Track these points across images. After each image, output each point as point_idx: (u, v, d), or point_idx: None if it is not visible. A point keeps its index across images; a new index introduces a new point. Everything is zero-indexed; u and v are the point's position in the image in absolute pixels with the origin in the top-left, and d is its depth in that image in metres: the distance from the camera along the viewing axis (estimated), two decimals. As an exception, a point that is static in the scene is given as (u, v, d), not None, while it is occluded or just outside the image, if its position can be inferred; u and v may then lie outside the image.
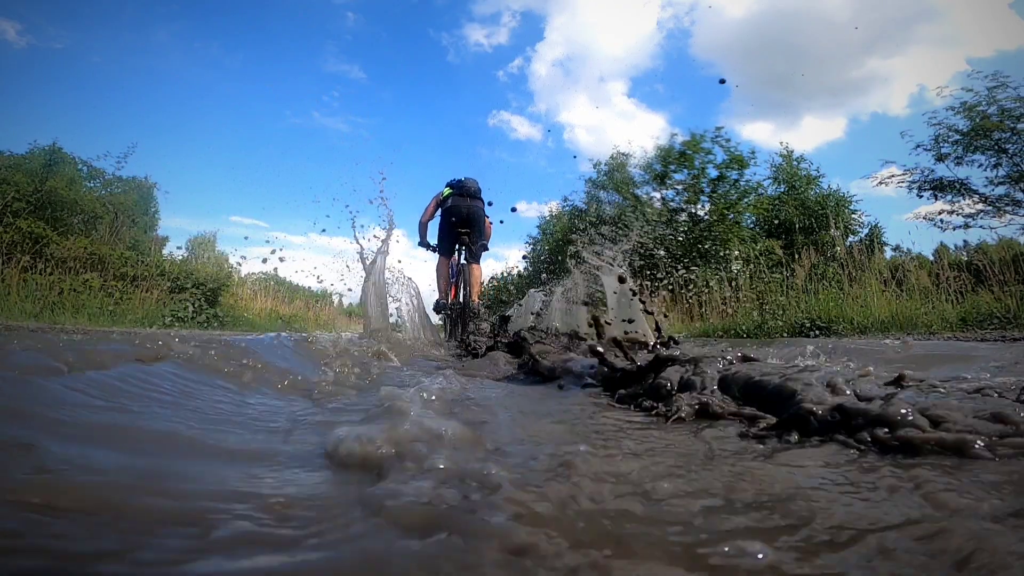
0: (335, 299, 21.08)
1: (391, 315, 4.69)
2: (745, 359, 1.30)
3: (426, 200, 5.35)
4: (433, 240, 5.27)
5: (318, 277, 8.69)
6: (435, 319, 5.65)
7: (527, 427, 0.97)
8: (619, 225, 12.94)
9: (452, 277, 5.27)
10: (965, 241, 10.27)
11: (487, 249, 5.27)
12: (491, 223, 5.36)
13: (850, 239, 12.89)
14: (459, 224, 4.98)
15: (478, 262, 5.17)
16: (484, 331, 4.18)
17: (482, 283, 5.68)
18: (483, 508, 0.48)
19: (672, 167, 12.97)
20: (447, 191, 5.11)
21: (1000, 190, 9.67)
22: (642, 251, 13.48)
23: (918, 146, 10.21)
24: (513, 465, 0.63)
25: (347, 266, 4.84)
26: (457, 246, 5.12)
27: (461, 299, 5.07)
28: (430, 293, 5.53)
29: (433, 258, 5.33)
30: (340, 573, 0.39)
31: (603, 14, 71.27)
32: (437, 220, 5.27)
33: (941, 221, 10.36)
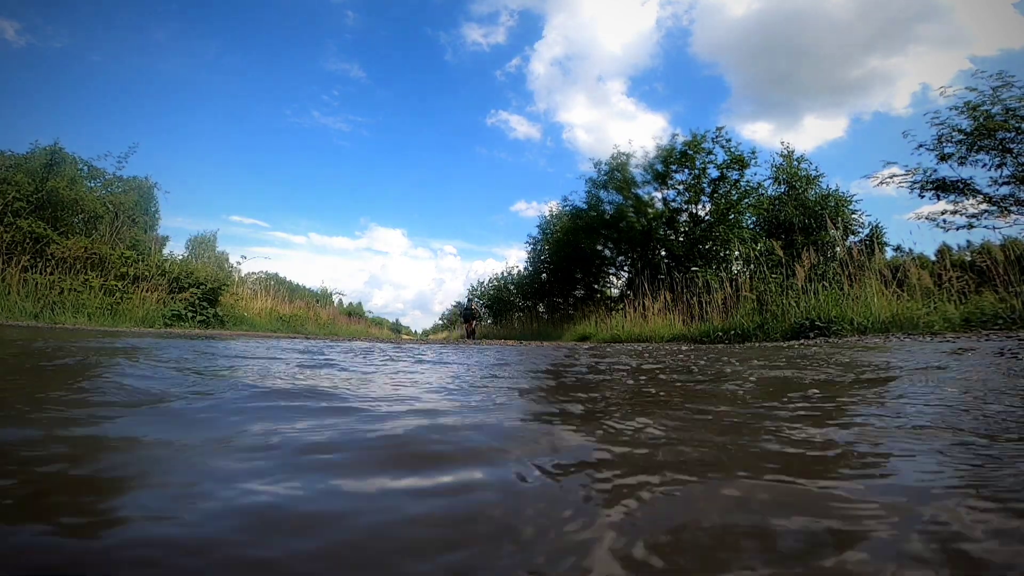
0: (335, 299, 21.13)
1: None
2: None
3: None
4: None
5: None
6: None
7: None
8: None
9: (466, 325, 15.56)
10: (969, 241, 10.19)
11: (479, 318, 17.18)
12: (477, 310, 16.50)
13: (850, 239, 12.82)
14: (467, 315, 15.84)
15: (470, 322, 15.49)
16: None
17: (477, 327, 15.92)
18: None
19: (674, 167, 12.92)
20: (466, 304, 17.40)
21: (1004, 190, 9.57)
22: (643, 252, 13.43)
23: (920, 146, 10.12)
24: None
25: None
26: (469, 322, 15.53)
27: (468, 332, 15.39)
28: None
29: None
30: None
31: (601, 11, 71.03)
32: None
33: (944, 221, 10.27)
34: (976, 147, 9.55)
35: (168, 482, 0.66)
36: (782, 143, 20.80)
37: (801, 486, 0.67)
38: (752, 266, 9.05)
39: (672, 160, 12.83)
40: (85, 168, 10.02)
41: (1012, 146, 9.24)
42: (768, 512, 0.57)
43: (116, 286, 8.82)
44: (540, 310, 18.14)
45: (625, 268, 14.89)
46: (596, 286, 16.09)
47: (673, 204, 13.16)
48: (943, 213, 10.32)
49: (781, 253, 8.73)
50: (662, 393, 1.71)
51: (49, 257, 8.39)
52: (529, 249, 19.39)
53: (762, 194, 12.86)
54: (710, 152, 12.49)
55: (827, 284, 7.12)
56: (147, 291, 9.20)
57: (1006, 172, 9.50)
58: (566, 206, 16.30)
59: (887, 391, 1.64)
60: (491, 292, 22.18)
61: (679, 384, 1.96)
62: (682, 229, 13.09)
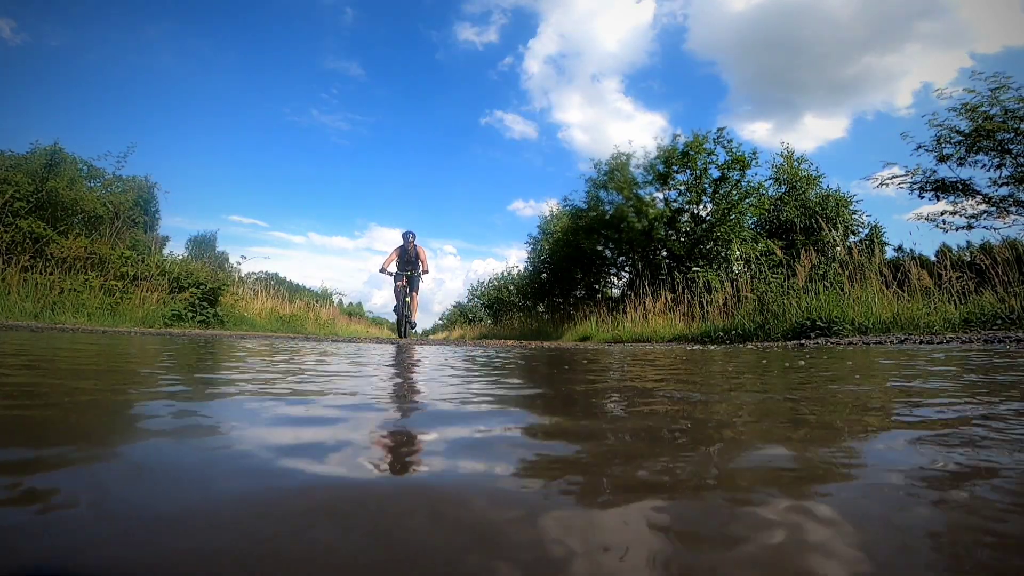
0: (335, 299, 21.10)
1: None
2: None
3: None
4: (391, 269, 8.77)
5: None
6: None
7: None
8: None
9: (397, 283, 8.65)
10: (968, 242, 10.25)
11: (427, 272, 8.64)
12: (420, 249, 8.62)
13: (851, 239, 12.86)
14: (404, 261, 8.65)
15: (405, 278, 8.63)
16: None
17: (415, 297, 8.86)
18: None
19: (675, 167, 12.95)
20: (404, 241, 8.62)
21: (1004, 191, 9.63)
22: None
23: (920, 147, 10.17)
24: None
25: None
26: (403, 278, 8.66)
27: (399, 313, 8.77)
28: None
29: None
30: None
31: (597, 6, 71.11)
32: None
33: (943, 222, 10.32)
34: (975, 148, 9.59)
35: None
36: (782, 143, 20.89)
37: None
38: (753, 266, 9.08)
39: (674, 160, 12.85)
40: (85, 168, 9.98)
41: (1011, 147, 9.28)
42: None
43: (116, 286, 8.80)
44: (540, 310, 18.15)
45: (626, 268, 14.91)
46: (597, 286, 16.11)
47: (674, 204, 13.19)
48: (943, 214, 10.38)
49: (780, 254, 8.74)
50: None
51: (49, 257, 8.36)
52: (529, 249, 19.42)
53: (763, 194, 12.90)
54: (711, 152, 12.52)
55: (828, 284, 7.14)
56: (147, 291, 9.17)
57: (1005, 173, 9.55)
58: (566, 206, 16.32)
59: None
60: (491, 292, 22.20)
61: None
62: (683, 229, 13.12)
